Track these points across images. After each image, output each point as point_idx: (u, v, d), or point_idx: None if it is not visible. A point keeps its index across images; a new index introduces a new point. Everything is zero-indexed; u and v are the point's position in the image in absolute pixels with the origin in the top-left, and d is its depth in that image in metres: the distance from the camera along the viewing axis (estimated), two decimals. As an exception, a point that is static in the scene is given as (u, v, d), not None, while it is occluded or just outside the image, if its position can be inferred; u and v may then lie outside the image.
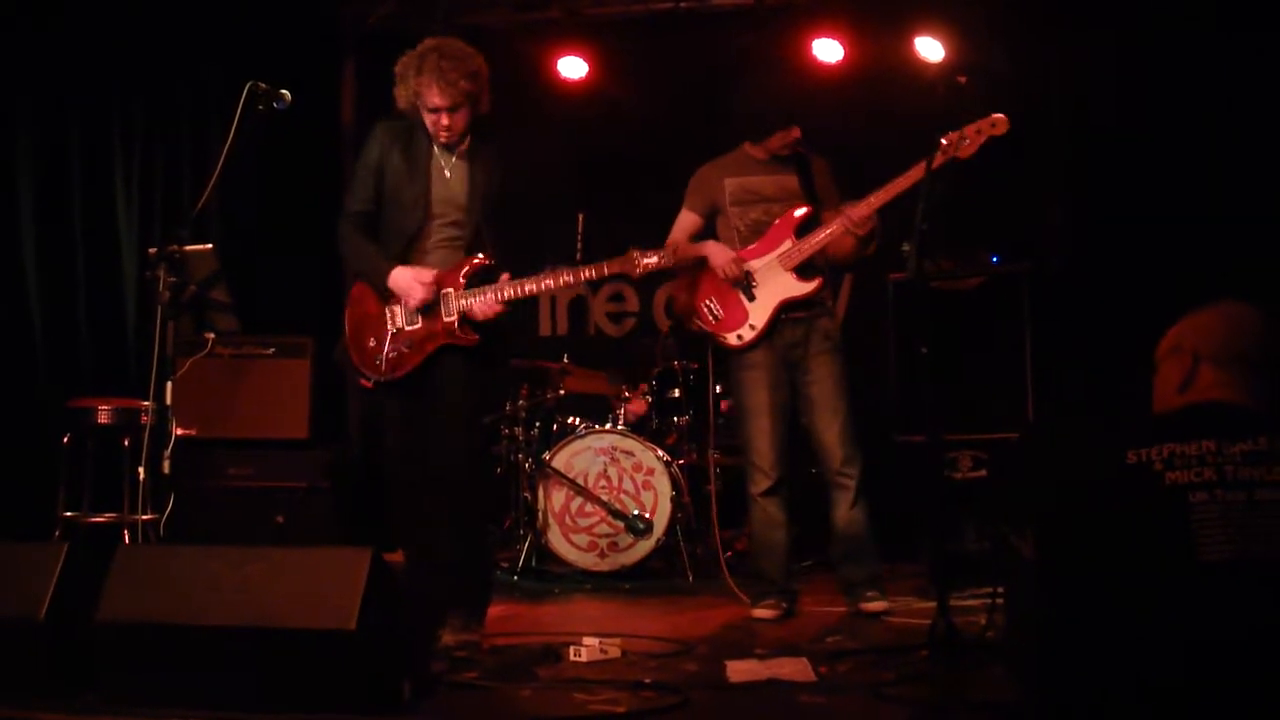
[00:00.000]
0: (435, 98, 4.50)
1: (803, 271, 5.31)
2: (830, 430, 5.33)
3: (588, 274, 4.65)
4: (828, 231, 5.21)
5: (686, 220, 5.57)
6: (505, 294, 4.54)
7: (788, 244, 5.32)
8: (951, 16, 7.54)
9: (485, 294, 4.54)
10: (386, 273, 4.56)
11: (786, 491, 5.39)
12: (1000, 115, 4.76)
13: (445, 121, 4.54)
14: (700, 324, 5.53)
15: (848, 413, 5.33)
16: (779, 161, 5.43)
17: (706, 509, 7.04)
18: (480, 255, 4.61)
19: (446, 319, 4.57)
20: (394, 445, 4.74)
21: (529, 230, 4.84)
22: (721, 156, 5.58)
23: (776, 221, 5.37)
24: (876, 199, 5.05)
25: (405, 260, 4.61)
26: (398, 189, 4.64)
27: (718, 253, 5.40)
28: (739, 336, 5.38)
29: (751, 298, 5.36)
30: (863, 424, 6.66)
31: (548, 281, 4.61)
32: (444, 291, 4.58)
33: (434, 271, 4.54)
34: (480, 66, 4.63)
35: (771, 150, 5.42)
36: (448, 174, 4.65)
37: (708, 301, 5.47)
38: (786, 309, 5.33)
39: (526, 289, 4.56)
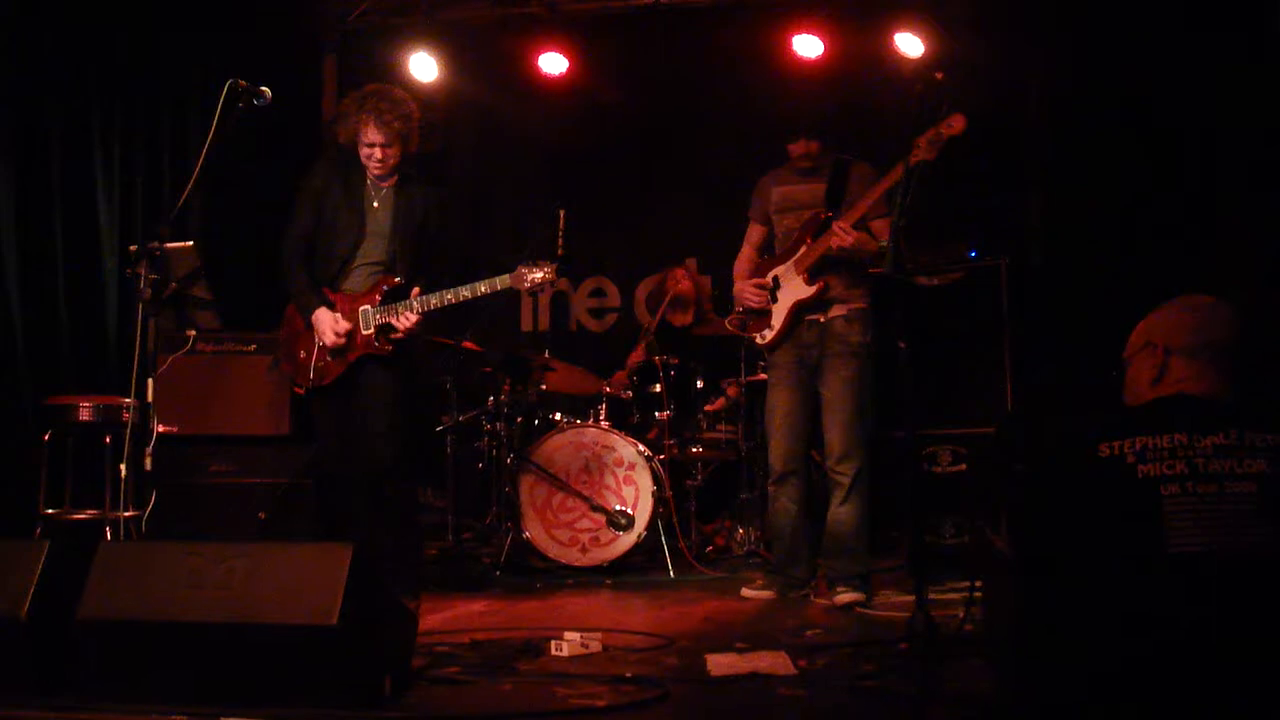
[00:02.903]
0: (372, 134, 5.21)
1: (812, 274, 5.41)
2: (832, 429, 5.41)
3: (482, 290, 5.25)
4: (828, 239, 5.31)
5: (753, 232, 5.82)
6: (416, 307, 5.19)
7: (803, 249, 5.44)
8: (931, 13, 7.57)
9: (399, 310, 5.19)
10: (311, 311, 5.26)
11: (798, 483, 5.51)
12: (958, 115, 4.83)
13: (379, 155, 5.25)
14: (737, 323, 5.82)
15: (853, 413, 5.38)
16: (812, 171, 5.54)
17: (687, 504, 7.09)
18: (396, 277, 5.27)
19: (365, 332, 5.25)
20: (326, 445, 5.44)
21: (446, 257, 5.50)
22: (777, 167, 5.72)
23: (800, 227, 5.51)
24: (848, 219, 5.26)
25: (335, 277, 5.30)
26: (335, 216, 5.32)
27: (740, 292, 5.70)
28: (762, 336, 5.59)
29: (775, 300, 5.54)
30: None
31: (449, 296, 5.22)
32: (362, 308, 5.25)
33: (348, 325, 5.22)
34: (413, 110, 5.32)
35: (793, 159, 5.56)
36: (375, 205, 5.34)
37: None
38: (801, 311, 5.45)
39: (432, 303, 5.21)
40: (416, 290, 5.21)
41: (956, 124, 4.84)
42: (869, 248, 5.32)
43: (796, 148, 5.52)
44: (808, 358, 5.47)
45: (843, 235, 5.24)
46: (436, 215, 5.43)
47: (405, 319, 5.19)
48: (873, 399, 5.44)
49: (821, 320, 5.44)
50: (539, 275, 5.24)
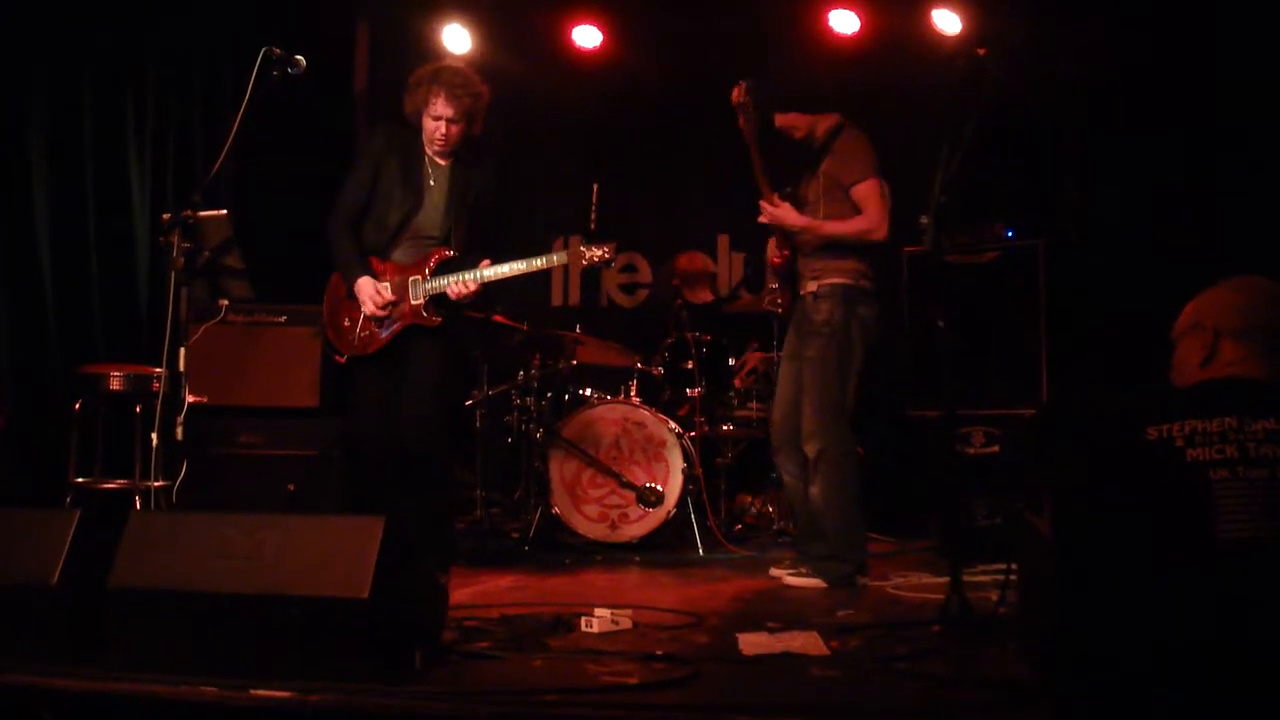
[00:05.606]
0: (441, 107, 5.24)
1: (792, 248, 5.42)
2: (800, 409, 5.37)
3: (539, 264, 5.32)
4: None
5: None
6: (478, 276, 5.22)
7: None
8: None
9: (459, 277, 5.21)
10: (354, 279, 5.27)
11: (795, 454, 5.42)
12: None
13: (444, 130, 5.27)
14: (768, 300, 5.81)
15: (818, 393, 5.29)
16: (802, 142, 5.48)
17: (717, 481, 7.06)
18: (449, 250, 5.32)
19: (414, 302, 5.27)
20: (363, 415, 5.41)
21: (498, 236, 5.58)
22: None
23: None
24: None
25: (385, 247, 5.33)
26: (390, 187, 5.33)
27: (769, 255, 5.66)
28: (782, 306, 5.58)
29: None
30: (876, 398, 6.63)
31: (504, 270, 5.25)
32: (411, 279, 5.28)
33: (391, 296, 5.25)
34: (483, 91, 5.35)
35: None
36: (432, 183, 5.36)
37: None
38: (785, 282, 5.47)
39: (492, 275, 5.23)
40: (487, 261, 5.24)
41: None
42: (786, 220, 5.30)
43: (781, 121, 5.45)
44: (799, 332, 5.43)
45: (764, 211, 5.32)
46: (491, 194, 5.48)
47: (465, 285, 5.21)
48: (852, 376, 5.32)
49: (802, 294, 5.40)
50: (597, 254, 5.32)
